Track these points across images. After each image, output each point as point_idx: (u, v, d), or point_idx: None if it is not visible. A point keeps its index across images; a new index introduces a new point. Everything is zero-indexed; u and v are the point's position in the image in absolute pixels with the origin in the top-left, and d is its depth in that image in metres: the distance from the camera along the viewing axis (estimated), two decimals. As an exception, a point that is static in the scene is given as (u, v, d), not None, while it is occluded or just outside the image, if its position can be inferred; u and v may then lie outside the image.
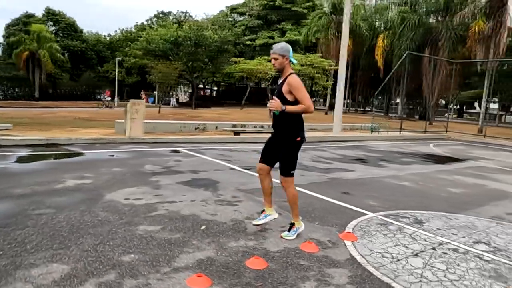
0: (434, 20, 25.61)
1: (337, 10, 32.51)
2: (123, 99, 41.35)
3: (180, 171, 6.44)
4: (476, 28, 21.26)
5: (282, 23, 40.89)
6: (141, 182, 5.44)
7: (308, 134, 14.09)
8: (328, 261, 3.23)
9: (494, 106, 46.72)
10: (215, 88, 56.02)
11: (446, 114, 31.36)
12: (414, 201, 5.55)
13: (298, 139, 3.60)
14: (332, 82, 24.59)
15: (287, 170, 3.64)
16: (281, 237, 3.64)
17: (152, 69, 25.33)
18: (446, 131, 19.77)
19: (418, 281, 3.00)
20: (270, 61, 3.74)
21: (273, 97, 3.55)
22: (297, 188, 5.40)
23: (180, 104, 39.42)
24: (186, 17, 49.61)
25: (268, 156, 3.78)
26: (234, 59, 28.43)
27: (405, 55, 17.47)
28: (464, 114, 54.87)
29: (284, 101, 3.50)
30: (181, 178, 5.91)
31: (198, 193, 5.09)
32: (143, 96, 36.46)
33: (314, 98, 42.80)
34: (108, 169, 6.15)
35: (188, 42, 26.44)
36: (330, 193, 5.62)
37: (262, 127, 15.60)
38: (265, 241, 3.56)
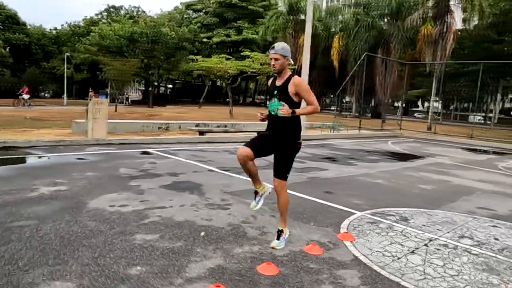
0: (387, 23, 26.80)
1: (294, 10, 33.10)
2: (72, 97, 39.23)
3: (158, 174, 6.21)
4: (425, 32, 22.58)
5: (238, 21, 40.86)
6: (121, 187, 5.17)
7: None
8: (335, 263, 3.27)
9: (435, 104, 49.97)
10: (170, 86, 54.85)
11: (398, 113, 33.02)
12: (392, 198, 5.77)
13: (299, 141, 3.54)
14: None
15: (284, 173, 3.53)
16: (273, 247, 3.45)
17: (106, 66, 24.21)
18: (400, 129, 20.82)
19: (423, 278, 3.11)
20: (271, 59, 3.47)
21: (282, 103, 3.37)
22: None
23: (133, 103, 38.09)
24: (139, 12, 48.03)
25: (258, 146, 3.53)
26: (191, 56, 27.97)
27: (363, 56, 18.13)
28: (409, 112, 58.14)
29: (290, 103, 3.40)
30: (162, 181, 5.70)
31: (185, 197, 4.94)
32: (92, 94, 34.78)
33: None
34: (81, 174, 5.78)
35: (145, 38, 25.58)
36: (313, 192, 5.69)
37: (225, 126, 15.52)
38: (268, 245, 3.52)
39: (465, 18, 23.70)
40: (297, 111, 3.38)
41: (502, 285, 3.10)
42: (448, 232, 4.32)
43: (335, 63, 29.34)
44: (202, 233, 3.69)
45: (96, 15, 47.75)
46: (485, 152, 14.67)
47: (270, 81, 3.72)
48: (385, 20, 27.15)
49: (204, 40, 38.46)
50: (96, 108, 10.00)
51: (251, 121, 17.64)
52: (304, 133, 15.19)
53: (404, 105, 56.95)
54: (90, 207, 4.26)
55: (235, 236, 3.70)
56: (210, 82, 40.04)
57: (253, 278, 2.87)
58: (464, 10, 23.23)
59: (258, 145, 3.54)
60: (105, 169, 6.25)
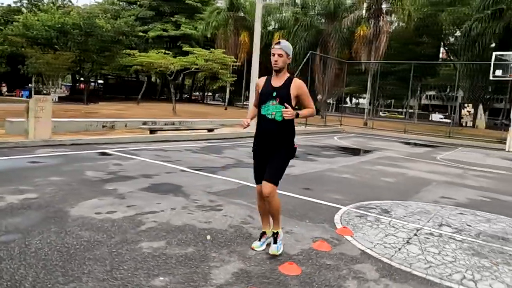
0: (325, 23, 27.92)
1: (234, 6, 33.04)
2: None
3: (130, 176, 5.85)
4: (361, 33, 23.96)
5: (175, 16, 39.73)
6: (99, 192, 4.80)
7: (223, 131, 14.18)
8: (348, 258, 3.36)
9: (362, 101, 53.47)
10: (101, 81, 51.79)
11: (332, 109, 34.62)
12: (366, 192, 6.06)
13: (296, 146, 3.37)
14: (234, 78, 24.95)
15: (278, 178, 3.26)
16: (273, 254, 3.24)
17: (35, 59, 22.07)
18: (341, 125, 21.90)
19: (429, 266, 3.33)
20: (273, 55, 3.16)
21: (285, 104, 3.10)
22: (250, 184, 5.49)
23: (60, 99, 35.30)
24: (64, 2, 44.55)
25: (263, 174, 3.26)
26: (128, 51, 26.67)
27: (308, 54, 18.73)
28: (340, 108, 61.57)
29: (290, 106, 3.16)
30: (139, 184, 5.39)
31: (171, 200, 4.73)
32: (3, 88, 31.68)
33: (217, 94, 42.76)
34: (44, 180, 5.25)
35: (78, 30, 23.76)
36: (292, 189, 5.77)
37: (173, 124, 15.11)
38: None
39: (394, 21, 25.53)
40: (300, 113, 3.21)
41: (494, 266, 3.43)
42: (428, 221, 4.66)
43: (276, 61, 29.85)
44: (208, 237, 3.57)
45: (15, 2, 43.36)
46: (421, 145, 16.01)
47: (260, 81, 3.35)
48: (323, 20, 28.25)
49: (140, 34, 36.89)
50: (39, 106, 9.13)
51: (196, 118, 17.37)
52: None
53: (336, 102, 60.10)
54: (74, 215, 3.89)
55: (242, 238, 3.64)
56: (146, 78, 38.55)
57: (280, 280, 2.85)
58: (393, 13, 25.06)
59: (263, 174, 3.27)
60: (69, 173, 5.74)
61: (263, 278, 2.85)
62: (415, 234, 4.14)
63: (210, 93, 69.82)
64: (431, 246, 3.81)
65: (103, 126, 13.18)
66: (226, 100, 32.27)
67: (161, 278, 2.72)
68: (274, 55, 3.16)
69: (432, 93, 65.24)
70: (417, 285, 2.95)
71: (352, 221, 4.43)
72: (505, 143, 16.01)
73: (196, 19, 37.65)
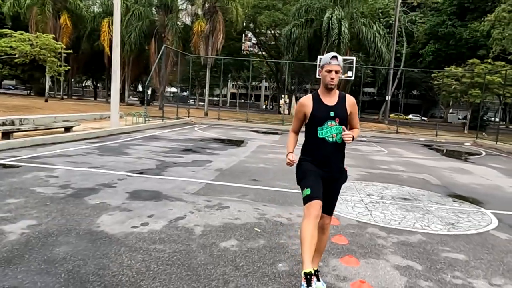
0: (160, 15, 27.74)
1: (49, -17, 28.80)
2: None
3: (93, 188, 5.44)
4: (199, 28, 25.12)
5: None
6: (92, 210, 4.50)
7: (90, 129, 13.08)
8: (362, 234, 4.57)
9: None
10: None
11: (191, 101, 34.87)
12: (291, 178, 7.37)
13: (346, 168, 3.06)
14: (67, 67, 22.27)
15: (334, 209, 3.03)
16: None
17: None
18: (189, 116, 22.76)
19: (401, 219, 4.93)
20: (329, 72, 2.81)
21: (343, 128, 2.82)
22: (210, 182, 6.19)
23: None
24: None
25: (322, 192, 2.81)
26: None
27: (163, 48, 18.71)
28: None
29: (347, 125, 2.91)
30: (117, 195, 5.16)
31: (173, 205, 4.87)
32: None
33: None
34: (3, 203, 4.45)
35: None
36: (244, 181, 6.59)
37: (13, 122, 12.95)
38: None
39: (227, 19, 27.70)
40: (354, 135, 2.85)
41: (426, 214, 5.29)
42: (362, 194, 6.34)
43: (107, 49, 27.98)
44: (257, 229, 4.18)
45: None
46: (270, 133, 18.56)
47: (307, 101, 2.91)
48: (159, 11, 28.02)
49: None
50: None
51: (19, 114, 15.03)
52: (121, 126, 14.56)
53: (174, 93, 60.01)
54: (112, 234, 3.77)
55: (282, 226, 4.38)
56: None
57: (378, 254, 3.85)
58: (224, 11, 27.19)
59: (321, 192, 2.81)
60: (18, 192, 4.92)
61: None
62: (366, 204, 5.72)
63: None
64: (384, 209, 5.45)
65: None
66: (47, 92, 28.22)
67: (280, 265, 3.32)
68: (330, 71, 2.80)
69: (240, 83, 72.45)
70: (379, 230, 4.45)
71: (321, 201, 5.68)
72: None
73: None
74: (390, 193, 6.61)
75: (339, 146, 2.87)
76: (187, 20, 28.25)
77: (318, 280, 2.77)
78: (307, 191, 2.76)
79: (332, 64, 2.78)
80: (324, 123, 2.82)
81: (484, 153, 15.33)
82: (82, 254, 3.27)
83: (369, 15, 29.62)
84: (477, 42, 28.68)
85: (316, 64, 20.22)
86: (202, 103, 38.17)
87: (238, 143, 12.97)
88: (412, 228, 4.67)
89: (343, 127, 2.82)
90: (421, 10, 37.63)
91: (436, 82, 28.05)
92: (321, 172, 2.85)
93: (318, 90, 2.94)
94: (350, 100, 2.92)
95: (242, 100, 64.34)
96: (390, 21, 32.03)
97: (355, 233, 4.34)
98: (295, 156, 2.95)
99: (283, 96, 34.03)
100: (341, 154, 2.92)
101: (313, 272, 2.52)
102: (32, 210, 4.29)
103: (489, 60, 23.81)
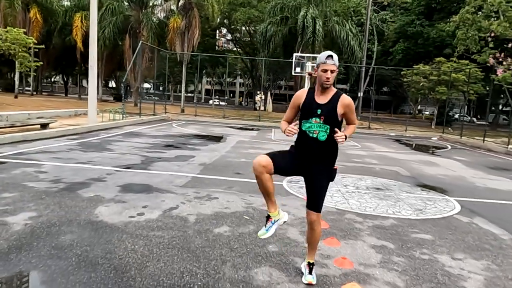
0: (134, 10, 27.41)
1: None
2: None
3: (84, 182, 5.61)
4: (174, 24, 25.06)
5: None
6: (92, 201, 4.71)
7: (68, 126, 13.00)
8: (341, 219, 5.01)
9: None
10: None
11: (170, 98, 34.42)
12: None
13: (336, 167, 3.11)
14: (39, 63, 21.70)
15: (321, 206, 3.10)
16: (309, 283, 3.02)
17: None
18: (166, 112, 22.75)
19: (375, 207, 5.41)
20: (325, 71, 2.86)
21: (336, 129, 2.87)
22: (196, 175, 6.51)
23: None
24: None
25: (280, 160, 2.96)
26: None
27: (140, 44, 18.62)
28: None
29: (335, 125, 2.92)
30: (109, 188, 5.38)
31: (166, 197, 5.15)
32: None
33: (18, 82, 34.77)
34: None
35: None
36: (228, 175, 6.92)
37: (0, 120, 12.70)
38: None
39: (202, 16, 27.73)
40: (347, 134, 2.92)
41: (397, 202, 5.79)
42: (338, 185, 6.80)
43: (79, 44, 27.43)
44: (246, 217, 4.53)
45: None
46: (246, 129, 18.90)
47: (301, 94, 3.06)
48: (133, 6, 27.68)
49: None
50: None
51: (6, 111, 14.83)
52: (101, 119, 14.49)
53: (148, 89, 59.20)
54: (111, 223, 4.03)
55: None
56: None
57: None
58: (200, 7, 27.21)
59: (281, 159, 2.98)
60: (11, 187, 5.05)
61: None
62: (342, 193, 6.18)
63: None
64: (360, 198, 5.92)
65: None
66: (16, 88, 27.39)
67: (270, 246, 3.69)
68: (326, 71, 2.85)
69: (215, 79, 72.31)
70: (356, 216, 4.92)
71: (298, 190, 6.09)
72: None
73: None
74: (365, 183, 7.12)
75: (320, 143, 2.93)
76: (162, 16, 28.03)
77: (310, 273, 3.05)
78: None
79: (327, 64, 2.83)
80: (309, 118, 2.93)
81: (449, 147, 16.27)
82: (87, 241, 3.52)
83: (342, 13, 30.41)
84: (444, 42, 29.99)
85: (291, 62, 20.75)
86: (177, 101, 38.04)
87: (217, 139, 13.24)
88: (385, 214, 5.15)
89: (329, 126, 2.89)
90: (391, 9, 38.87)
91: (405, 79, 29.18)
92: (299, 162, 3.00)
93: (315, 86, 3.02)
94: (344, 100, 2.94)
95: (217, 97, 64.21)
96: (362, 20, 32.97)
97: (335, 219, 4.77)
98: (294, 128, 2.96)
99: (258, 92, 34.44)
100: (325, 151, 2.97)
101: (269, 215, 3.09)
102: (29, 203, 4.46)
103: (454, 59, 25.02)
